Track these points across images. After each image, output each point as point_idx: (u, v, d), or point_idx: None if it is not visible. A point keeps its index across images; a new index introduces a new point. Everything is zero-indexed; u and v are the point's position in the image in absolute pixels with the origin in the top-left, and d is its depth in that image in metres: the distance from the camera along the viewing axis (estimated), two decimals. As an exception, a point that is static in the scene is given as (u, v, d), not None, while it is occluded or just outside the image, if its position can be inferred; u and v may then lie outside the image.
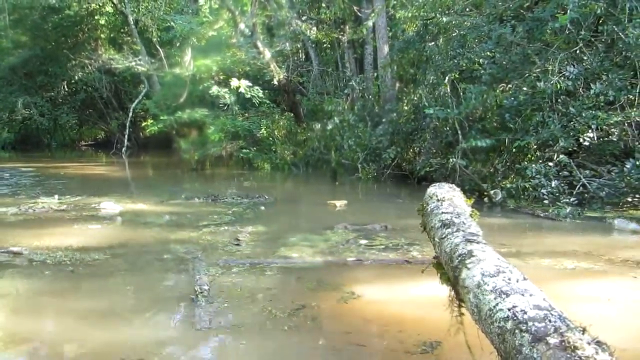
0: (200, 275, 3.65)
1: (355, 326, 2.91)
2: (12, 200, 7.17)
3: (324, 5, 13.29)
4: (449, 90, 8.10)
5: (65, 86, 20.74)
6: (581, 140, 6.76)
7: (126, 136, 17.31)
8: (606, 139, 6.80)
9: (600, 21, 6.90)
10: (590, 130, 6.68)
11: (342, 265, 4.00)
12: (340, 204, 6.63)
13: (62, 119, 20.20)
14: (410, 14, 10.81)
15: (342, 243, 4.64)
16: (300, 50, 15.48)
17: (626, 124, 6.58)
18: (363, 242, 4.72)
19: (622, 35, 6.41)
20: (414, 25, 10.88)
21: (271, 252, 4.41)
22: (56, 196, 7.22)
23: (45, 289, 3.64)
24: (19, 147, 19.30)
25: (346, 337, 2.74)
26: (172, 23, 15.32)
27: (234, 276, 3.77)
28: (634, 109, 6.34)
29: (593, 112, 6.41)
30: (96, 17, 19.21)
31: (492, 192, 6.76)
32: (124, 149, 17.03)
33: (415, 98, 9.13)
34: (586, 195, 6.30)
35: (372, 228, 5.25)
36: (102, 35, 20.10)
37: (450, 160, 7.20)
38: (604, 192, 6.18)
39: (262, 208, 6.59)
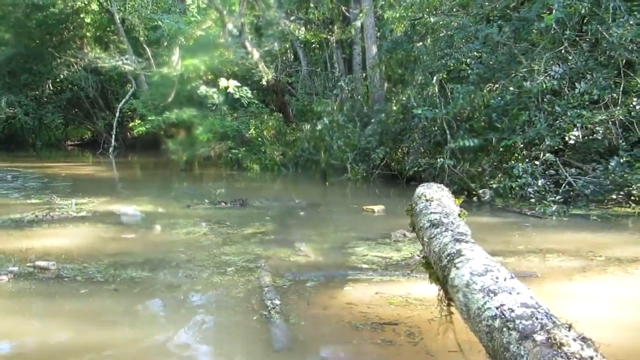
0: (268, 289, 3.40)
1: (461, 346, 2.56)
2: (26, 205, 6.71)
3: (312, 5, 13.28)
4: (437, 91, 8.16)
5: (51, 85, 20.47)
6: (567, 138, 6.86)
7: (113, 136, 17.17)
8: (591, 137, 6.90)
9: (585, 21, 7.00)
10: (575, 129, 6.78)
11: (424, 279, 3.63)
12: (378, 209, 6.27)
13: (47, 118, 19.93)
14: (398, 15, 10.88)
15: (418, 254, 4.08)
16: (288, 51, 15.46)
17: (610, 123, 6.69)
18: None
19: (606, 35, 6.52)
20: (402, 26, 10.95)
21: (340, 263, 4.09)
22: (73, 201, 6.79)
23: (85, 310, 3.18)
24: (3, 146, 19.01)
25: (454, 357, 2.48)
26: (159, 22, 15.20)
27: (306, 289, 3.47)
28: (618, 108, 6.45)
29: (578, 111, 6.51)
30: (82, 15, 18.95)
31: (480, 191, 6.84)
32: (111, 149, 16.89)
33: (404, 98, 9.18)
34: (572, 193, 6.40)
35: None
36: (88, 34, 19.86)
37: (438, 160, 7.26)
38: (589, 190, 6.28)
39: (302, 213, 6.26)
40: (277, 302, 3.13)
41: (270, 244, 4.72)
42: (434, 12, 9.17)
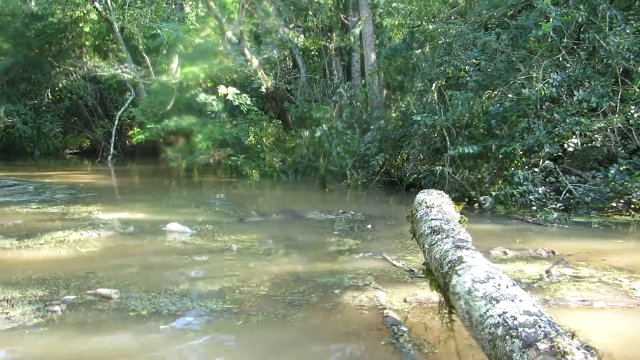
0: (387, 311, 3.07)
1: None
2: (64, 220, 6.08)
3: (311, 13, 13.36)
4: (436, 98, 8.18)
5: (49, 94, 20.49)
6: (566, 146, 6.87)
7: (112, 144, 17.19)
8: (590, 144, 6.91)
9: (582, 29, 7.04)
10: (574, 137, 6.79)
11: (563, 308, 3.15)
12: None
13: (45, 127, 19.94)
14: (396, 22, 10.95)
15: (548, 276, 3.74)
16: (287, 58, 15.53)
17: (609, 130, 6.70)
18: (568, 272, 3.87)
19: (603, 43, 6.55)
20: (401, 33, 11.02)
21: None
22: (115, 216, 6.32)
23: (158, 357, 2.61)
24: (1, 155, 19.00)
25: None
26: (158, 30, 15.26)
27: (429, 311, 3.09)
28: (616, 116, 6.47)
29: (577, 118, 6.52)
30: (81, 25, 19.04)
31: (481, 198, 6.84)
32: (109, 157, 16.89)
33: (403, 105, 9.21)
34: (572, 200, 6.40)
35: (538, 253, 4.44)
36: (87, 43, 19.93)
37: (437, 168, 7.27)
38: (589, 198, 6.29)
39: (369, 226, 5.77)
40: (404, 328, 2.80)
41: (365, 261, 4.31)
42: (433, 20, 9.22)
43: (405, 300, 3.30)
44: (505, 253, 4.47)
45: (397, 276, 3.86)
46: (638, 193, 6.07)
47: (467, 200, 6.86)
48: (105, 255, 4.54)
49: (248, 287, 3.59)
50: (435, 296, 2.92)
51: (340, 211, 6.60)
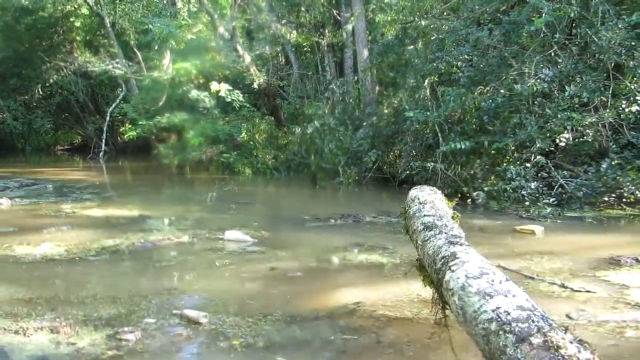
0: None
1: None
2: (111, 228, 5.53)
3: (303, 9, 13.31)
4: (428, 94, 8.18)
5: (40, 89, 20.27)
6: (557, 141, 6.90)
7: (103, 141, 17.05)
8: (581, 139, 6.95)
9: (574, 24, 7.06)
10: (566, 132, 6.82)
11: None
12: (538, 230, 5.12)
13: (36, 123, 19.74)
14: (389, 18, 10.93)
15: None
16: (280, 54, 15.47)
17: (600, 125, 6.74)
18: None
19: (595, 38, 6.57)
20: (393, 29, 11.00)
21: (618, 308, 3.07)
22: (166, 220, 5.89)
23: None
24: (-8, 151, 18.82)
25: None
26: (150, 26, 15.12)
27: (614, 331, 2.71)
28: (608, 111, 6.50)
29: (568, 113, 6.55)
30: (71, 19, 18.83)
31: (474, 194, 6.86)
32: (101, 154, 16.77)
33: (395, 101, 9.20)
34: (564, 195, 6.44)
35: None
36: (78, 38, 19.72)
37: (429, 164, 7.28)
38: (581, 192, 6.32)
39: None
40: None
41: None
42: (425, 16, 9.20)
43: (569, 317, 2.90)
44: (637, 260, 4.04)
45: (543, 289, 3.42)
46: (630, 187, 6.12)
47: (460, 196, 6.87)
48: (173, 269, 3.99)
49: (375, 309, 3.02)
50: (607, 312, 2.75)
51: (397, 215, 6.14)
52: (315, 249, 4.60)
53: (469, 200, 6.87)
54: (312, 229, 5.51)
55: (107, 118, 17.13)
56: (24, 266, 4.07)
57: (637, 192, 6.16)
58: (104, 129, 17.15)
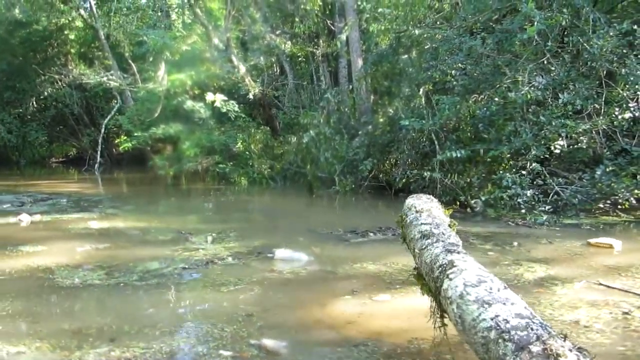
0: None
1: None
2: (149, 245, 5.23)
3: (297, 19, 13.39)
4: (423, 102, 8.22)
5: (34, 102, 20.24)
6: (552, 148, 6.94)
7: (98, 152, 17.02)
8: (576, 146, 6.99)
9: (566, 32, 7.13)
10: (560, 139, 6.86)
11: None
12: (616, 243, 4.74)
13: (31, 136, 19.69)
14: (383, 27, 11.00)
15: None
16: (274, 64, 15.53)
17: (594, 132, 6.79)
18: None
19: (586, 46, 6.64)
20: (387, 39, 11.06)
21: None
22: (209, 237, 5.48)
23: None
24: (-14, 165, 18.71)
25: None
26: (144, 37, 15.18)
27: None
28: (601, 118, 6.55)
29: (562, 120, 6.59)
30: (66, 32, 18.85)
31: (472, 202, 6.87)
32: (96, 166, 16.73)
33: (391, 110, 9.24)
34: (559, 202, 6.46)
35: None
36: (72, 50, 19.75)
37: (425, 174, 7.30)
38: (576, 199, 6.34)
39: (515, 244, 4.95)
40: None
41: (590, 292, 3.46)
42: (419, 25, 9.28)
43: None
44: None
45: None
46: (624, 193, 6.15)
47: (458, 203, 6.89)
48: (236, 293, 3.60)
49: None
50: None
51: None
52: (382, 267, 4.17)
53: (467, 208, 6.89)
54: (361, 245, 5.11)
55: (102, 130, 17.12)
56: (63, 292, 3.72)
57: (631, 198, 6.19)
58: (99, 140, 17.13)
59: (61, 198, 9.02)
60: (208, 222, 7.06)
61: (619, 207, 6.24)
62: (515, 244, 4.99)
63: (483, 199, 6.81)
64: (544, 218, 6.06)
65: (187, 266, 4.32)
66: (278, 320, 3.04)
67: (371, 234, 5.56)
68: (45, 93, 19.61)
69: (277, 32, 13.63)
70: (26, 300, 3.50)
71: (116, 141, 17.41)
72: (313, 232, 5.75)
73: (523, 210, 6.42)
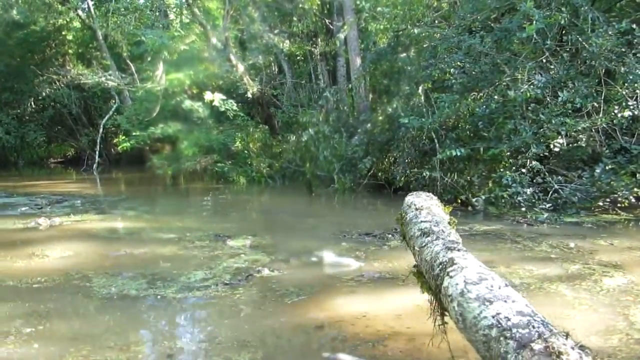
0: None
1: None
2: (184, 250, 4.88)
3: (295, 18, 13.37)
4: (422, 100, 8.21)
5: (33, 103, 20.20)
6: (552, 146, 6.93)
7: (97, 152, 16.99)
8: (575, 144, 6.99)
9: (565, 31, 7.12)
10: (560, 137, 6.85)
11: None
12: None
13: (29, 137, 19.65)
14: (381, 26, 10.98)
15: None
16: (273, 63, 15.51)
17: (593, 130, 6.78)
18: None
19: (585, 45, 6.63)
20: (386, 37, 11.05)
21: None
22: (247, 241, 5.24)
23: None
24: (-16, 166, 18.67)
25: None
26: (142, 37, 15.14)
27: None
28: (600, 116, 6.54)
29: (562, 119, 6.59)
30: (64, 33, 18.83)
31: (473, 200, 6.87)
32: (95, 166, 16.70)
33: (390, 109, 9.22)
34: (559, 200, 6.45)
35: None
36: (70, 51, 19.71)
37: (424, 173, 7.29)
38: (576, 197, 6.34)
39: (571, 245, 4.76)
40: None
41: None
42: (417, 24, 9.26)
43: None
44: None
45: None
46: (624, 192, 6.14)
47: (459, 202, 6.89)
48: (300, 303, 3.33)
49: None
50: None
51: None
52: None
53: (469, 206, 6.88)
54: (400, 248, 4.60)
55: (101, 130, 17.08)
56: (100, 302, 3.47)
57: (631, 196, 6.19)
58: (98, 140, 17.09)
59: (75, 199, 8.83)
60: (231, 223, 6.78)
61: (619, 205, 6.23)
62: (572, 245, 4.81)
63: (483, 197, 6.80)
64: (545, 216, 6.05)
65: (233, 276, 3.95)
66: (351, 331, 2.79)
67: (389, 236, 5.33)
68: (44, 93, 19.56)
69: (276, 31, 13.61)
70: (62, 312, 3.33)
71: (114, 141, 17.39)
72: (336, 234, 5.49)
73: (523, 209, 6.41)
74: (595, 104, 6.65)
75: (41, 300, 3.56)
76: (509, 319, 1.69)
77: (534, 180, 6.71)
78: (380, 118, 9.57)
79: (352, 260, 4.25)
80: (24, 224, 6.40)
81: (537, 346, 1.56)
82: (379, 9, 10.98)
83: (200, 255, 4.69)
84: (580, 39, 6.68)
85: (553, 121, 6.61)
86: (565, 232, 5.39)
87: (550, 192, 6.51)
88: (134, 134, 14.53)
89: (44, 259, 4.69)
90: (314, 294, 3.56)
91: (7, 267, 4.42)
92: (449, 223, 3.12)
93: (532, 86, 6.76)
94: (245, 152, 11.65)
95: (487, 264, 2.18)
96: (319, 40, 13.33)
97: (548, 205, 6.38)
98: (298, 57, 14.86)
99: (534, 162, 6.69)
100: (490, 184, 6.91)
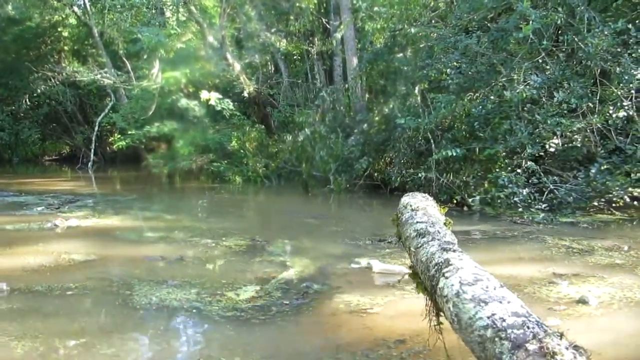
0: None
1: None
2: (234, 261, 4.47)
3: (292, 17, 13.35)
4: (419, 100, 8.22)
5: (27, 100, 20.09)
6: (547, 146, 6.96)
7: (92, 150, 16.93)
8: (570, 145, 7.01)
9: (561, 31, 7.15)
10: (555, 137, 6.88)
11: None
12: None
13: (24, 134, 19.56)
14: (378, 26, 10.98)
15: None
16: (269, 62, 15.49)
17: (588, 131, 6.81)
18: None
19: (581, 45, 6.65)
20: (382, 37, 11.05)
21: None
22: (286, 246, 4.98)
23: None
24: (-22, 163, 18.57)
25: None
26: (138, 35, 15.09)
27: None
28: (595, 116, 6.57)
29: (557, 119, 6.61)
30: (59, 29, 18.74)
31: (470, 200, 6.88)
32: (90, 164, 16.64)
33: (386, 109, 9.23)
34: (554, 200, 6.48)
35: None
36: (66, 48, 19.62)
37: (420, 174, 7.30)
38: (571, 197, 6.37)
39: (627, 248, 4.63)
40: None
41: None
42: (414, 24, 9.27)
43: None
44: None
45: None
46: (619, 192, 6.17)
47: (455, 202, 6.90)
48: (370, 319, 3.05)
49: None
50: None
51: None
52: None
53: (465, 207, 6.90)
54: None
55: (96, 128, 17.03)
56: (140, 314, 3.17)
57: (625, 196, 6.22)
58: (93, 138, 17.03)
59: (85, 198, 8.63)
60: (252, 224, 6.63)
61: (614, 205, 6.26)
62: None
63: (478, 197, 6.82)
64: (541, 216, 6.07)
65: (286, 292, 3.55)
66: (434, 345, 2.59)
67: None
68: (39, 90, 19.47)
69: (272, 30, 13.59)
70: (101, 324, 3.04)
71: (110, 139, 17.33)
72: (361, 238, 5.20)
73: (520, 209, 6.43)
74: (591, 104, 6.68)
75: (77, 309, 3.31)
76: (504, 320, 1.70)
77: (530, 181, 6.73)
78: (377, 118, 9.58)
79: (401, 267, 3.91)
80: (39, 225, 6.09)
81: (532, 346, 1.56)
82: (375, 8, 10.99)
83: (242, 263, 4.39)
84: (576, 39, 6.71)
85: (549, 121, 6.63)
86: (561, 232, 5.41)
87: (546, 193, 6.54)
88: (129, 132, 14.49)
89: (70, 263, 4.40)
90: (384, 305, 3.30)
91: (33, 271, 4.13)
92: (445, 224, 3.13)
93: (528, 86, 6.78)
94: (242, 151, 11.63)
95: (482, 264, 2.20)
96: (316, 39, 13.32)
97: (544, 206, 6.40)
98: (295, 57, 14.84)
99: (529, 163, 6.72)
100: (486, 185, 6.93)
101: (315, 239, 5.48)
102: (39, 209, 7.39)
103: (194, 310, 3.22)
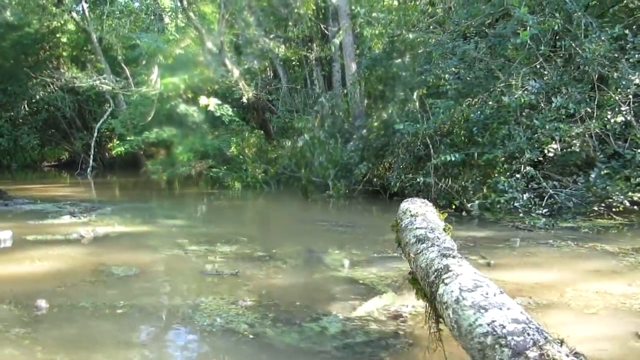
0: None
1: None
2: (295, 274, 4.13)
3: (291, 23, 13.40)
4: (417, 106, 8.24)
5: (26, 106, 20.12)
6: (546, 151, 6.97)
7: (91, 156, 16.93)
8: (569, 150, 7.02)
9: (558, 37, 7.17)
10: (554, 142, 6.89)
11: None
12: None
13: (22, 140, 19.56)
14: (376, 32, 11.02)
15: None
16: (268, 68, 15.53)
17: (587, 135, 6.82)
18: None
19: (579, 50, 6.68)
20: (381, 43, 11.08)
21: None
22: (345, 260, 4.52)
23: None
24: (-24, 169, 18.56)
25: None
26: (137, 41, 15.13)
27: None
28: (594, 121, 6.58)
29: (555, 124, 6.62)
30: (58, 35, 18.78)
31: (469, 205, 6.88)
32: (89, 170, 16.63)
33: (385, 114, 9.25)
34: (554, 205, 6.48)
35: None
36: (65, 54, 19.66)
37: (419, 179, 7.31)
38: (571, 202, 6.37)
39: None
40: None
41: None
42: (412, 30, 9.30)
43: None
44: None
45: None
46: (619, 196, 6.17)
47: (454, 207, 6.90)
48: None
49: None
50: None
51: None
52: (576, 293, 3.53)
53: (464, 212, 6.89)
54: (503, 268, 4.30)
55: (95, 134, 17.04)
56: (207, 338, 2.75)
57: (625, 201, 6.22)
58: (92, 144, 17.04)
59: (105, 206, 8.24)
60: (283, 233, 6.24)
61: (613, 210, 6.26)
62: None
63: (477, 202, 6.81)
64: (542, 221, 6.07)
65: (375, 320, 3.02)
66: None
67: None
68: (37, 96, 19.49)
69: (271, 36, 13.63)
70: (162, 348, 2.71)
71: (109, 145, 17.35)
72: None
73: (520, 214, 6.42)
74: (589, 109, 6.70)
75: (133, 331, 2.94)
76: (504, 327, 1.69)
77: (529, 186, 6.73)
78: (376, 123, 9.59)
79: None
80: (64, 236, 5.58)
81: (532, 354, 1.55)
82: (374, 14, 11.02)
83: (308, 279, 3.97)
84: (573, 44, 6.73)
85: (547, 126, 6.64)
86: (561, 237, 5.40)
87: (546, 198, 6.54)
88: (128, 138, 14.50)
89: (110, 276, 3.99)
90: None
91: (73, 286, 3.72)
92: (444, 229, 3.12)
93: (526, 92, 6.79)
94: (241, 157, 11.64)
95: (482, 270, 2.19)
96: (315, 45, 13.37)
97: (544, 211, 6.40)
98: (293, 62, 14.88)
99: (528, 168, 6.72)
100: (484, 190, 6.93)
101: (362, 249, 4.98)
102: (66, 217, 6.95)
103: (266, 341, 2.71)
